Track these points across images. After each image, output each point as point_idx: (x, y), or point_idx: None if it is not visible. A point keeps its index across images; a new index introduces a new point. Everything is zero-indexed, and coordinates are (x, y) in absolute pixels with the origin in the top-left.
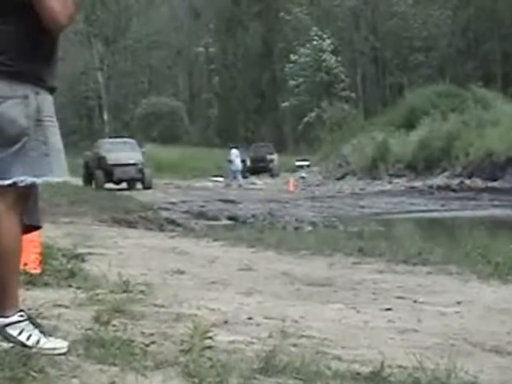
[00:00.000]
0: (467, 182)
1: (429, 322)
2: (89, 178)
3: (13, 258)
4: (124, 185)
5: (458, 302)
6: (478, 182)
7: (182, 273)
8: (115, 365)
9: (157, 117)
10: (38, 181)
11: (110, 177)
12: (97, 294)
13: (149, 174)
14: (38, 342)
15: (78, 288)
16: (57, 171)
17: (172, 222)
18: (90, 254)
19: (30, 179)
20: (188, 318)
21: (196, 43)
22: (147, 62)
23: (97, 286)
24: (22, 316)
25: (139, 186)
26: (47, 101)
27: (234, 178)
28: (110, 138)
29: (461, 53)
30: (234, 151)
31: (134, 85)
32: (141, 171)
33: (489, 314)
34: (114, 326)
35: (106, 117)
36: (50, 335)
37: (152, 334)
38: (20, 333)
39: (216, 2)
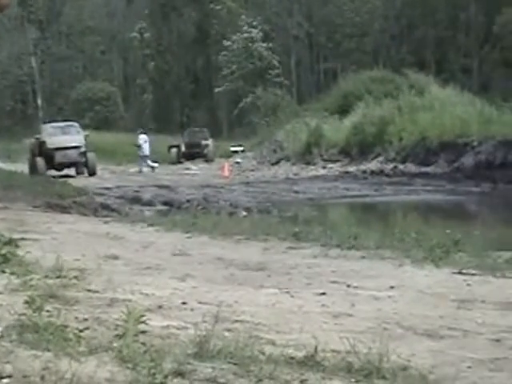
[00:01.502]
0: (400, 167)
1: (362, 306)
2: (34, 166)
3: None
4: (68, 172)
5: (392, 287)
6: (411, 167)
7: (116, 258)
8: (49, 350)
9: (91, 102)
10: None
11: (51, 162)
12: (30, 280)
13: (92, 157)
14: None
15: (12, 273)
16: None
17: (106, 207)
18: (23, 239)
19: None
20: (122, 303)
21: (130, 28)
22: (81, 47)
23: (30, 272)
24: None
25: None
26: None
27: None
28: (53, 122)
29: (394, 38)
30: (143, 136)
31: (68, 70)
32: (84, 155)
33: (422, 298)
34: (47, 311)
35: (39, 101)
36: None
37: (86, 320)
38: None
39: None
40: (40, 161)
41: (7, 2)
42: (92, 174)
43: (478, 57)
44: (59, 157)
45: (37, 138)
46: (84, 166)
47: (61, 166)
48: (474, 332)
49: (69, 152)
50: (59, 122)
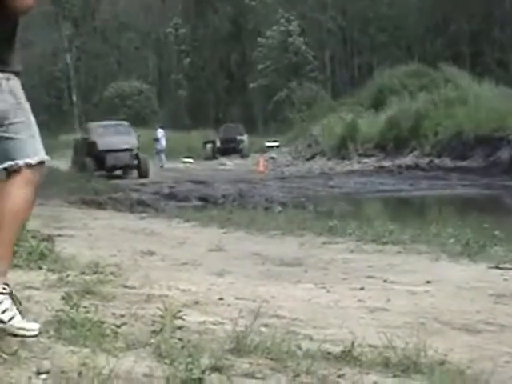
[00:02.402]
0: (436, 161)
1: (399, 301)
2: (79, 164)
3: (17, 224)
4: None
5: (428, 281)
6: (447, 162)
7: (152, 254)
8: (86, 346)
9: (125, 98)
10: (31, 161)
11: (101, 164)
12: (67, 276)
13: (144, 160)
14: (11, 318)
15: (49, 270)
16: (43, 151)
17: (142, 203)
18: (59, 235)
19: (22, 161)
20: (159, 299)
21: (165, 24)
22: (116, 43)
23: (67, 268)
24: (4, 289)
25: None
26: (18, 85)
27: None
28: (103, 121)
29: (429, 32)
30: (160, 131)
31: (103, 66)
32: (136, 157)
33: (458, 293)
34: (84, 307)
35: (74, 98)
36: (24, 317)
37: (123, 316)
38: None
39: None
40: (90, 162)
41: (31, 2)
42: (144, 176)
43: None
44: (111, 159)
45: (84, 138)
46: (136, 169)
47: (112, 169)
48: (511, 326)
49: (121, 155)
50: (109, 120)
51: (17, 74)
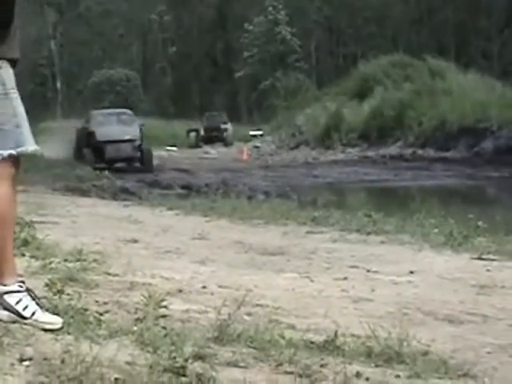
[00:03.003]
0: (420, 151)
1: (382, 291)
2: (79, 155)
3: (8, 224)
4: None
5: (411, 272)
6: (431, 152)
7: (135, 241)
8: (69, 333)
9: (110, 86)
10: (14, 152)
11: (100, 156)
12: (50, 263)
13: (148, 152)
14: (33, 313)
15: (32, 256)
16: (29, 141)
17: (126, 190)
18: (43, 222)
19: (6, 152)
20: (142, 287)
21: (149, 11)
22: (100, 30)
23: (50, 255)
24: (21, 286)
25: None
26: (9, 73)
27: None
28: (104, 108)
29: (414, 23)
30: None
31: (87, 53)
32: (138, 149)
33: (441, 284)
34: (67, 294)
35: (59, 85)
36: (47, 310)
37: (106, 303)
38: (17, 302)
39: None
40: (88, 153)
41: None
42: (148, 170)
43: (498, 41)
44: (111, 151)
45: (84, 127)
46: (139, 162)
47: (112, 161)
48: (494, 317)
49: (122, 146)
50: (111, 108)
51: (10, 61)
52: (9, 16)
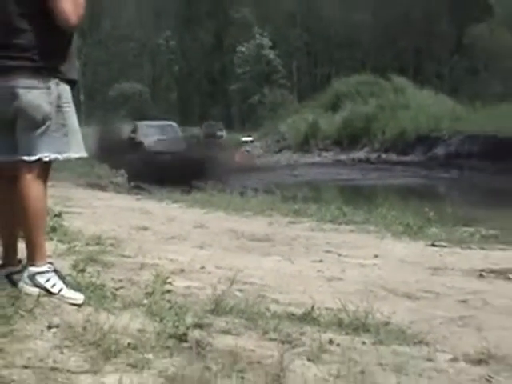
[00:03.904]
0: (383, 156)
1: (351, 271)
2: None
3: (40, 217)
4: None
5: (376, 256)
6: (392, 156)
7: (145, 229)
8: (90, 305)
9: (125, 98)
10: (60, 157)
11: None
12: (74, 246)
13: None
14: (60, 290)
15: (59, 241)
16: (74, 149)
17: (138, 186)
18: (68, 212)
19: (52, 155)
20: (151, 267)
21: (158, 36)
22: (117, 52)
23: (74, 240)
24: (49, 267)
25: None
26: (65, 90)
27: None
28: (150, 120)
29: (379, 48)
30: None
31: (106, 71)
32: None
33: (401, 266)
34: (88, 273)
35: (82, 97)
36: (72, 288)
37: (120, 280)
38: (47, 281)
39: (174, 3)
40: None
41: (75, 23)
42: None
43: (449, 64)
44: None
45: (131, 137)
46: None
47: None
48: (445, 294)
49: (171, 156)
50: (156, 120)
51: (68, 81)
52: (70, 45)
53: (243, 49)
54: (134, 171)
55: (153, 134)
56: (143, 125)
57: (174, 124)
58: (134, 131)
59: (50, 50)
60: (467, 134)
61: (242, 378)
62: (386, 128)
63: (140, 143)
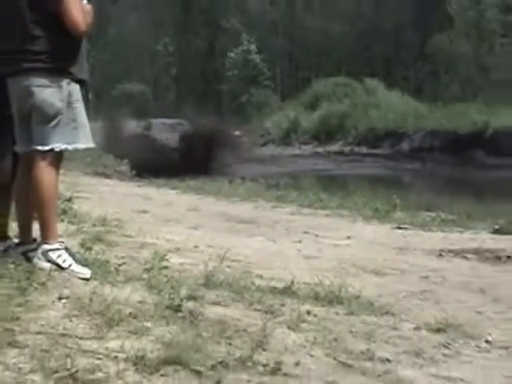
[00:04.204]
0: (356, 149)
1: (326, 251)
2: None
3: (53, 201)
4: None
5: (348, 237)
6: (364, 149)
7: (145, 212)
8: (96, 279)
9: (128, 97)
10: (70, 147)
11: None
12: (82, 227)
13: None
14: (70, 265)
15: (69, 222)
16: (83, 140)
17: (139, 174)
18: (77, 197)
19: (63, 146)
20: (150, 246)
21: (158, 42)
22: (121, 55)
23: (82, 221)
24: (60, 245)
25: None
26: (75, 89)
27: None
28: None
29: (353, 54)
30: None
31: (111, 72)
32: None
33: (370, 246)
34: (95, 250)
35: (90, 95)
36: (80, 263)
37: (123, 257)
38: (58, 256)
39: (171, 13)
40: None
41: (83, 29)
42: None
43: (414, 69)
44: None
45: (146, 135)
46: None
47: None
48: (408, 271)
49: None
50: (168, 118)
51: (77, 81)
52: (79, 49)
53: (232, 54)
54: (143, 163)
55: (165, 130)
56: (158, 122)
57: (184, 122)
58: (148, 128)
59: (61, 54)
60: (429, 130)
61: (230, 343)
62: (358, 124)
63: (155, 139)
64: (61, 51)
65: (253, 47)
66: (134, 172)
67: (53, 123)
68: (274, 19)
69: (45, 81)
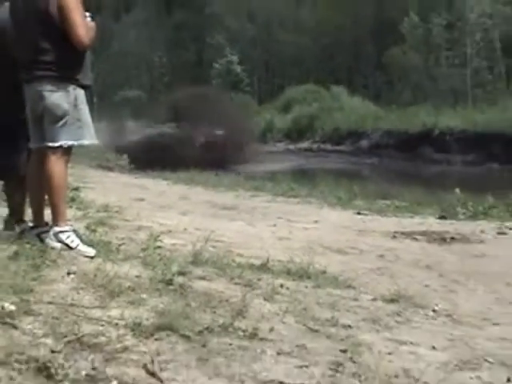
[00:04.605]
0: (322, 146)
1: (297, 233)
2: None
3: (62, 190)
4: None
5: (316, 221)
6: (329, 147)
7: (142, 200)
8: (99, 257)
9: (127, 102)
10: (76, 143)
11: None
12: (88, 213)
13: None
14: (77, 245)
15: (77, 208)
16: (87, 137)
17: (137, 168)
18: (84, 187)
19: (70, 142)
20: (146, 229)
21: (153, 55)
22: (122, 65)
23: (88, 208)
24: (69, 228)
25: None
26: (80, 93)
27: None
28: None
29: (320, 63)
30: None
31: (113, 80)
32: None
33: (335, 229)
34: (98, 232)
35: (95, 100)
36: (86, 244)
37: (123, 238)
38: (67, 237)
39: (165, 30)
40: None
41: (86, 44)
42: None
43: (372, 78)
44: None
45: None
46: None
47: None
48: (367, 250)
49: None
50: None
51: (82, 86)
52: (83, 59)
53: (217, 65)
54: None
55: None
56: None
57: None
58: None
59: (68, 64)
60: (385, 130)
61: (214, 312)
62: (325, 125)
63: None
64: (67, 61)
65: (235, 59)
66: (132, 165)
67: (61, 123)
68: (253, 35)
69: (54, 87)
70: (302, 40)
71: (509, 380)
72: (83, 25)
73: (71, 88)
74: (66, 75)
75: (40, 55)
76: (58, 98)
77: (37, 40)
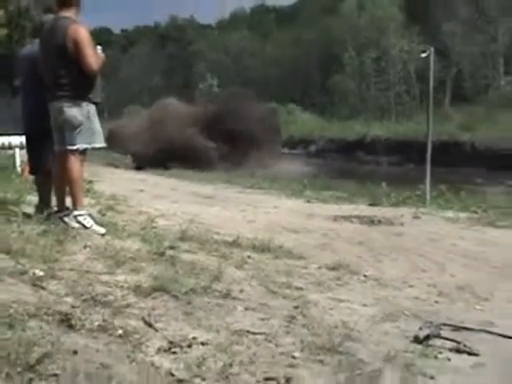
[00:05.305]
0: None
1: (261, 216)
2: None
3: (80, 182)
4: None
5: (275, 207)
6: (286, 150)
7: (142, 191)
8: (108, 235)
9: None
10: (89, 146)
11: None
12: (99, 201)
13: None
14: (92, 225)
15: (91, 197)
16: (98, 142)
17: (139, 167)
18: (96, 181)
19: (85, 145)
20: (144, 213)
21: (151, 80)
22: (129, 85)
23: (99, 197)
24: (85, 212)
25: None
26: (92, 108)
27: None
28: None
29: (277, 84)
30: None
31: (121, 97)
32: None
33: (290, 213)
34: (108, 216)
35: (106, 115)
36: (98, 224)
37: (126, 220)
38: (84, 219)
39: (160, 60)
40: None
41: (95, 69)
42: None
43: (319, 98)
44: None
45: None
46: None
47: None
48: (314, 230)
49: None
50: None
51: (94, 103)
52: (94, 81)
53: (201, 86)
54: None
55: None
56: None
57: None
58: None
59: (81, 85)
60: (329, 138)
61: (197, 277)
62: (282, 134)
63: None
64: (81, 84)
65: (214, 82)
66: (134, 164)
67: (77, 130)
68: (228, 65)
69: (71, 103)
70: (266, 68)
71: (420, 328)
72: (93, 55)
73: (84, 104)
74: (80, 94)
75: (59, 79)
76: (75, 111)
77: (56, 67)
